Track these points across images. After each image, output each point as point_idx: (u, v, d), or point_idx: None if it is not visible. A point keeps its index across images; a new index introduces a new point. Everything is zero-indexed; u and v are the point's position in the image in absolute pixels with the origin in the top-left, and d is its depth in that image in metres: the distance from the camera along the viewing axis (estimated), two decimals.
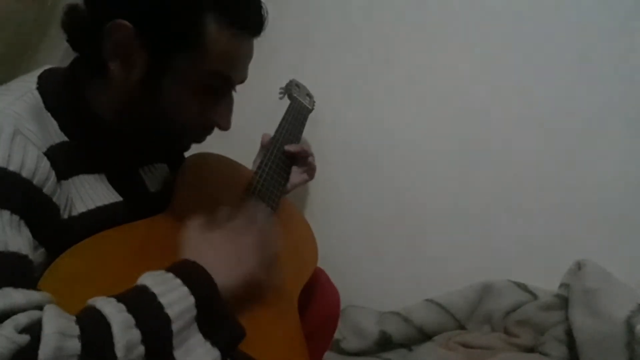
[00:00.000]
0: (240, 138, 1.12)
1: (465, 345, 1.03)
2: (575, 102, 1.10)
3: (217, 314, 0.53)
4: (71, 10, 0.63)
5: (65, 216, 0.57)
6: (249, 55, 0.66)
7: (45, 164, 0.54)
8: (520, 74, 1.14)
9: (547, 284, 1.08)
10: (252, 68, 0.69)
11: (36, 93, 0.59)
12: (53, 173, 0.55)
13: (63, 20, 0.63)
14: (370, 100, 1.25)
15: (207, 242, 0.61)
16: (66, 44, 0.64)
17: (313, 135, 1.17)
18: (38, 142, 0.55)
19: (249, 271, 0.61)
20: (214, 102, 0.65)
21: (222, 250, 0.61)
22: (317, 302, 0.87)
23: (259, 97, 1.16)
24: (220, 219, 0.65)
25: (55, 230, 0.55)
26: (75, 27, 0.63)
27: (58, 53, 1.30)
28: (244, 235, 0.64)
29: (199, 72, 0.61)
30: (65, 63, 0.66)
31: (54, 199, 0.55)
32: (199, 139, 0.70)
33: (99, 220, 0.61)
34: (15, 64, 1.32)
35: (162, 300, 0.48)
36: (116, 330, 0.43)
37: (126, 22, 0.57)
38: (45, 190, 0.53)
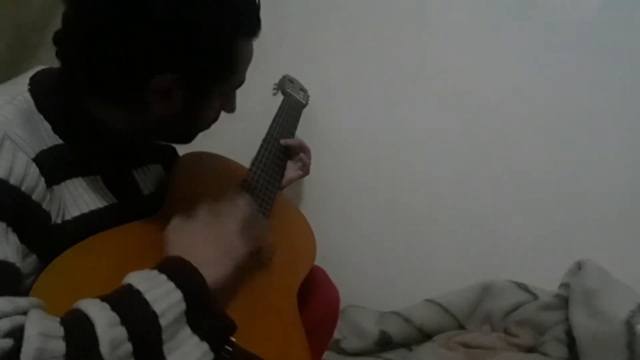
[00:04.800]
0: (236, 137, 1.12)
1: (465, 345, 1.03)
2: (576, 102, 1.10)
3: (205, 307, 0.53)
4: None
5: (59, 221, 0.57)
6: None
7: (35, 170, 0.53)
8: (520, 75, 1.14)
9: (547, 284, 1.08)
10: (251, 68, 0.69)
11: (27, 95, 0.58)
12: (42, 179, 0.54)
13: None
14: (371, 99, 1.25)
15: (190, 234, 0.61)
16: None
17: (314, 134, 1.17)
18: (27, 148, 0.54)
19: (238, 255, 0.61)
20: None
21: (206, 239, 0.60)
22: (317, 300, 0.86)
23: (258, 98, 1.16)
24: (200, 210, 0.65)
25: (46, 236, 0.55)
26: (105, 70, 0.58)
27: None
28: (225, 218, 0.65)
29: (231, 87, 0.68)
30: None
31: (44, 205, 0.54)
32: (209, 127, 0.73)
33: (93, 223, 0.61)
34: (15, 64, 1.32)
35: (148, 296, 0.48)
36: (100, 328, 0.43)
37: (170, 76, 0.58)
38: (34, 196, 0.53)
